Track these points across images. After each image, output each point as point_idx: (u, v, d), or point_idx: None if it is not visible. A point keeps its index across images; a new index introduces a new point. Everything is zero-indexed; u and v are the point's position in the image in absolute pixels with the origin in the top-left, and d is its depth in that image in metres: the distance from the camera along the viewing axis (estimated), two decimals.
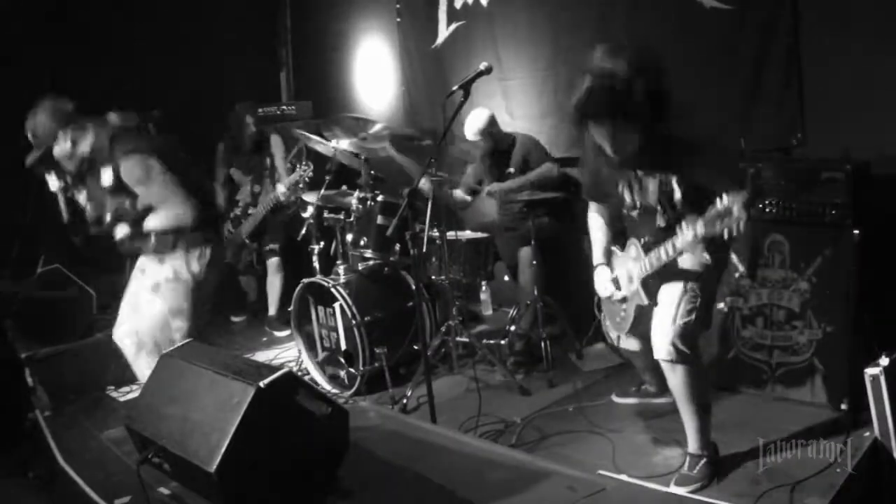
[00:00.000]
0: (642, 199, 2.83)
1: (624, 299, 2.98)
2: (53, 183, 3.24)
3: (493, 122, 4.31)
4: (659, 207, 2.78)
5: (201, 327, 3.29)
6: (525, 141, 4.37)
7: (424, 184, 3.88)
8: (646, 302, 2.86)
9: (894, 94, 3.36)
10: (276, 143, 5.13)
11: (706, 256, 2.81)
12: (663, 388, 3.36)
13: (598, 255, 3.10)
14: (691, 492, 2.68)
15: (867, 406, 2.54)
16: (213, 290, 3.34)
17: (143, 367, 3.17)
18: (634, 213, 2.90)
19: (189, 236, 3.15)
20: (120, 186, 3.10)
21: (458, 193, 4.53)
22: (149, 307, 3.17)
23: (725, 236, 2.40)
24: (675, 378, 2.76)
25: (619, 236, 3.07)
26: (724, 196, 2.38)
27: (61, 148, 3.11)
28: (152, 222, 3.14)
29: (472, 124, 4.28)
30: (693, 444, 2.82)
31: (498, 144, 4.36)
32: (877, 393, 2.46)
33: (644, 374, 3.41)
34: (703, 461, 2.79)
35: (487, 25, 4.97)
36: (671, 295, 2.79)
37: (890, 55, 3.35)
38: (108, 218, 3.18)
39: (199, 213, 3.15)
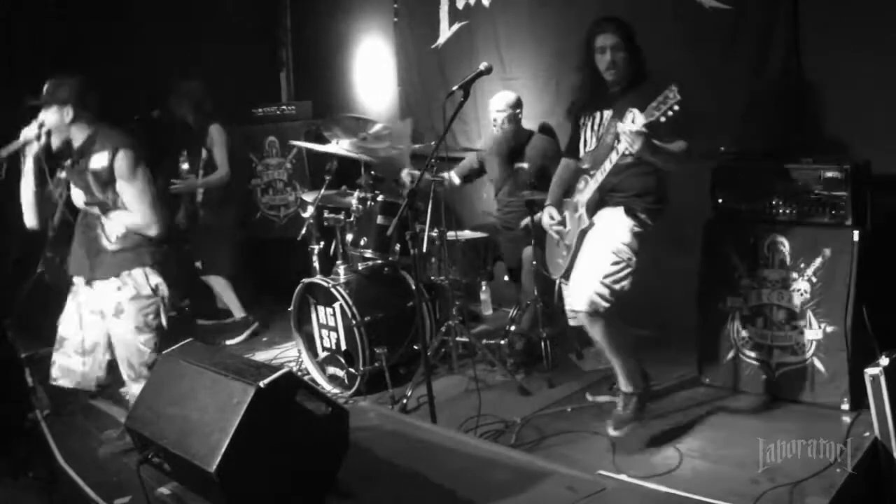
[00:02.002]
0: (603, 136, 3.08)
1: (564, 231, 3.30)
2: (31, 133, 3.06)
3: (520, 103, 4.30)
4: (616, 143, 2.91)
5: (167, 335, 3.24)
6: (545, 147, 4.32)
7: (406, 176, 4.21)
8: (586, 223, 3.14)
9: (894, 94, 3.36)
10: (215, 133, 4.79)
11: (634, 224, 3.07)
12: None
13: (549, 199, 3.45)
14: (628, 432, 3.08)
15: (867, 406, 2.55)
16: (175, 299, 3.31)
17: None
18: (588, 157, 3.19)
19: (149, 250, 3.14)
20: (107, 178, 3.05)
21: (449, 175, 4.51)
22: (116, 332, 3.16)
23: (663, 119, 2.69)
24: (595, 331, 3.03)
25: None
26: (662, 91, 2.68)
27: (60, 116, 3.04)
28: (120, 219, 3.09)
29: (502, 98, 4.25)
30: (623, 384, 3.14)
31: (517, 134, 4.33)
32: (877, 393, 2.47)
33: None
34: (633, 399, 3.09)
35: (490, 25, 4.97)
36: (597, 249, 3.05)
37: (890, 55, 3.35)
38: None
39: (165, 228, 3.15)
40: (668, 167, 3.04)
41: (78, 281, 3.24)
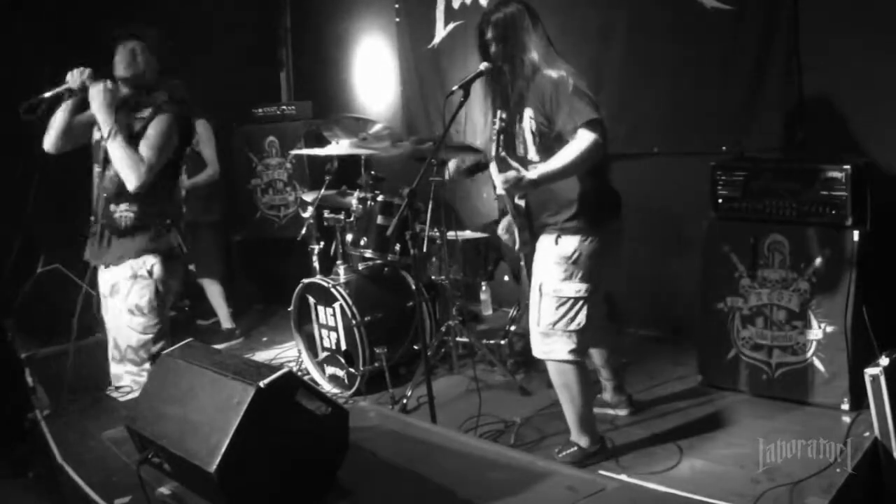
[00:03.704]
0: (519, 128, 2.87)
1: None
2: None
3: None
4: (526, 137, 2.83)
5: (166, 330, 3.24)
6: None
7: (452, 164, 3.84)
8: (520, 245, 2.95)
9: (894, 95, 3.36)
10: (201, 129, 4.76)
11: (569, 252, 2.81)
12: (618, 400, 3.37)
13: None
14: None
15: (867, 406, 2.55)
16: (175, 291, 3.30)
17: (122, 373, 3.22)
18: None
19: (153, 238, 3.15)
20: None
21: (454, 163, 4.47)
22: (111, 309, 3.17)
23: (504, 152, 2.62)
24: (552, 376, 2.94)
25: None
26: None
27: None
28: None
29: None
30: (573, 433, 3.00)
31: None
32: (877, 393, 2.47)
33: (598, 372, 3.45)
34: (575, 448, 2.99)
35: None
36: (537, 291, 2.89)
37: (890, 55, 3.35)
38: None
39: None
40: (569, 175, 2.72)
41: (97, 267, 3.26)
